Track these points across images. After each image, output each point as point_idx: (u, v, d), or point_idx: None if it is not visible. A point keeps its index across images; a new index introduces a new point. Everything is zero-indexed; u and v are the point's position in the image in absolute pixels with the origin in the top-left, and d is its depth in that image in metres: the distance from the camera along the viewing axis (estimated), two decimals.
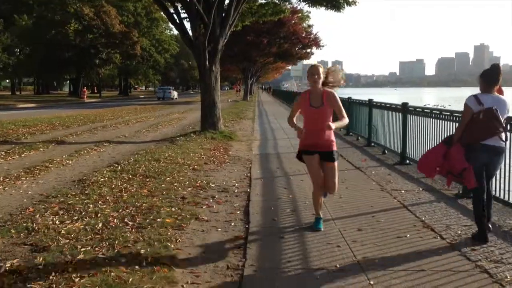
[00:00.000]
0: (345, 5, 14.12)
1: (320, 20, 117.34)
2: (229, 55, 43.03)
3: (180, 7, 13.51)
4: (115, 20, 52.13)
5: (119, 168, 8.02)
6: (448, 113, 7.39)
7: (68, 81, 71.79)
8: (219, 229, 4.92)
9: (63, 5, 47.86)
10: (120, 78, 74.85)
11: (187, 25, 13.33)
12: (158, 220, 5.03)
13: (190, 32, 13.05)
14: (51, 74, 57.30)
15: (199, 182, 7.17)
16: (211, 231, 4.85)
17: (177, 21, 13.05)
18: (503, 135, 4.43)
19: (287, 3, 16.01)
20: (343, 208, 5.74)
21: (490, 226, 4.59)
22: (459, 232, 4.73)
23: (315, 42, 43.14)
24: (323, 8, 14.42)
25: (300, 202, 6.03)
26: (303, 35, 42.07)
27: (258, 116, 24.15)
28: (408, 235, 4.61)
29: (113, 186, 6.68)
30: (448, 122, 7.22)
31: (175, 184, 6.93)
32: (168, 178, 7.28)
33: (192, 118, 20.33)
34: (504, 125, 4.43)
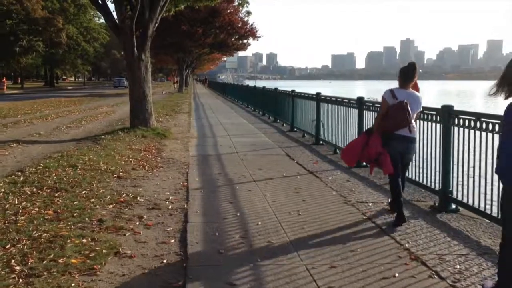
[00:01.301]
0: None
1: (254, 11, 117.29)
2: (163, 45, 40.99)
3: None
4: (37, 5, 48.17)
5: (21, 178, 6.40)
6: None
7: None
8: (146, 271, 3.62)
9: None
10: (45, 68, 69.86)
11: (112, 7, 11.64)
12: (61, 260, 3.64)
13: (115, 15, 11.40)
14: None
15: (123, 195, 5.78)
16: (135, 274, 3.54)
17: (99, 1, 11.33)
18: (413, 126, 4.89)
19: None
20: (305, 230, 4.62)
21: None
22: (456, 265, 3.76)
23: (252, 33, 42.03)
24: None
25: (251, 223, 4.83)
26: (239, 25, 40.83)
27: (194, 109, 22.71)
28: (396, 274, 3.55)
29: (7, 205, 5.13)
30: None
31: (93, 200, 5.49)
32: (84, 191, 5.82)
33: (122, 113, 18.53)
34: (412, 117, 4.81)
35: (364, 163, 7.75)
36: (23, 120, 14.93)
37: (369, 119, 7.83)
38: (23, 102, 25.36)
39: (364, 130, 5.93)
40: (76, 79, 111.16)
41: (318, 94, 10.89)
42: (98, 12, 65.29)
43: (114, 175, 6.88)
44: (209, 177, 7.20)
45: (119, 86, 63.22)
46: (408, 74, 4.98)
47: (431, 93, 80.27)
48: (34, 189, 5.83)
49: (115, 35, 11.77)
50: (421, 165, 6.14)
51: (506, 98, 2.93)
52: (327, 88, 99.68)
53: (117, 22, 11.33)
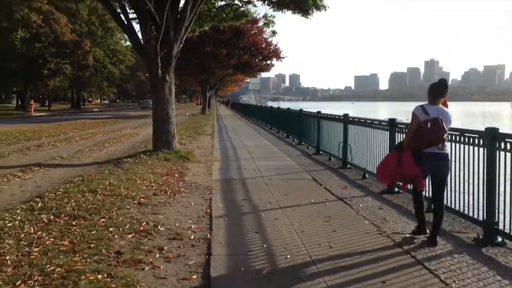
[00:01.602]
0: (314, 9, 12.82)
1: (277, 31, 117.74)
2: (187, 66, 41.34)
3: (128, 5, 11.74)
4: (66, 28, 49.37)
5: (39, 204, 6.18)
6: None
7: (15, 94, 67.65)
8: None
9: (9, 11, 44.59)
10: (72, 91, 71.32)
11: (137, 27, 11.59)
12: None
13: (140, 36, 11.34)
14: None
15: (143, 224, 5.48)
16: None
17: (125, 22, 11.28)
18: (445, 143, 4.84)
19: (249, 6, 14.52)
20: (337, 265, 4.22)
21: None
22: None
23: (276, 54, 42.03)
24: (289, 12, 13.10)
25: (279, 257, 4.46)
26: (263, 46, 40.90)
27: (217, 131, 22.52)
28: None
29: (22, 235, 4.88)
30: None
31: (111, 228, 5.20)
32: (103, 220, 5.54)
33: (145, 134, 18.46)
34: (447, 133, 4.82)
35: (396, 189, 7.41)
36: (47, 143, 14.94)
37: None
38: (49, 124, 25.64)
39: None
40: (102, 101, 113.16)
41: (345, 115, 10.51)
42: (124, 34, 66.84)
43: (135, 201, 6.61)
44: (233, 203, 6.86)
45: (146, 107, 64.01)
46: (439, 90, 4.96)
47: (455, 114, 78.66)
48: (52, 217, 5.58)
49: (140, 55, 11.69)
50: (461, 193, 5.67)
51: None
52: (350, 110, 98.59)
53: (142, 42, 11.23)
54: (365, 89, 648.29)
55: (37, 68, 48.05)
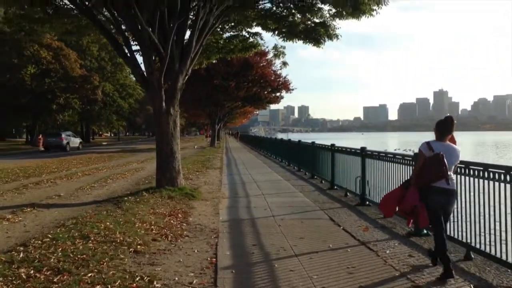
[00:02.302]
0: (326, 38, 12.28)
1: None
2: (195, 99, 41.12)
3: (131, 37, 11.25)
4: (75, 64, 49.65)
5: (21, 255, 5.41)
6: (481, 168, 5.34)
7: (25, 128, 67.85)
8: None
9: (19, 48, 45.03)
10: (81, 124, 71.48)
11: (141, 59, 11.07)
12: None
13: (143, 67, 10.79)
14: (6, 121, 53.58)
15: (137, 279, 4.69)
16: None
17: (128, 53, 10.76)
18: (451, 178, 4.90)
19: (258, 37, 14.01)
20: None
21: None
22: None
23: (285, 85, 41.71)
24: (300, 42, 12.55)
25: None
26: (272, 78, 40.63)
27: (226, 165, 21.80)
28: None
29: None
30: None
31: (98, 286, 4.43)
32: (90, 274, 4.76)
33: (151, 169, 17.74)
34: (449, 170, 4.86)
35: (425, 230, 6.60)
36: (46, 180, 14.24)
37: None
38: (53, 159, 25.07)
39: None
40: (112, 135, 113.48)
41: (363, 149, 9.75)
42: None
43: (131, 249, 5.83)
44: (242, 250, 6.06)
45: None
46: (445, 127, 5.05)
47: (466, 145, 77.68)
48: (32, 271, 4.81)
49: (143, 88, 11.14)
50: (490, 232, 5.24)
51: None
52: (360, 140, 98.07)
53: (145, 74, 10.68)
54: (374, 120, 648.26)
55: (46, 103, 48.08)
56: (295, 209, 9.25)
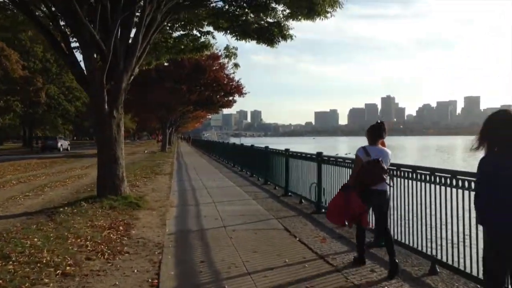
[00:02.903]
0: (280, 38, 11.84)
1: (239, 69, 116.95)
2: (146, 103, 39.88)
3: (69, 31, 10.30)
4: (17, 65, 46.95)
5: None
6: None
7: None
8: None
9: None
10: (24, 128, 67.92)
11: (81, 57, 10.16)
12: None
13: (84, 66, 9.89)
14: None
15: None
16: None
17: (66, 51, 9.83)
18: (387, 180, 5.23)
19: (210, 37, 13.34)
20: None
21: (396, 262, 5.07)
22: None
23: (238, 89, 41.16)
24: (253, 42, 12.04)
25: None
26: (224, 82, 40.01)
27: (177, 170, 20.95)
28: None
29: None
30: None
31: None
32: None
33: (95, 175, 16.47)
34: (387, 172, 5.17)
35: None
36: None
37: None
38: None
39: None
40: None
41: (319, 154, 9.32)
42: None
43: (58, 271, 5.04)
44: (188, 269, 5.41)
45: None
46: (378, 132, 5.33)
47: (414, 149, 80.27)
48: None
49: (83, 88, 10.24)
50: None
51: (487, 152, 3.17)
52: (312, 145, 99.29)
53: (85, 73, 9.78)
54: (325, 125, 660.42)
55: None
56: (248, 218, 8.68)
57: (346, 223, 5.43)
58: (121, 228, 7.50)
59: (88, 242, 6.35)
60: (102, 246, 6.21)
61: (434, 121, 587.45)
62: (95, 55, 9.86)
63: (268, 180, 14.39)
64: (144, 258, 5.82)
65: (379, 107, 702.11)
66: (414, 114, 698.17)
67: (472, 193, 4.40)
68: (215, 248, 6.36)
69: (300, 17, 12.08)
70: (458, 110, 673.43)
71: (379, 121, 5.49)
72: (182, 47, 13.41)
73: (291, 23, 12.29)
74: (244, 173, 18.65)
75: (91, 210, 8.71)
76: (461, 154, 52.09)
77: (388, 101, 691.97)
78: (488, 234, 3.21)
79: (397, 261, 5.07)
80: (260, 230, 7.55)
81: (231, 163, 23.66)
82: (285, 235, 7.27)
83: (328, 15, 11.80)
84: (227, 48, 13.68)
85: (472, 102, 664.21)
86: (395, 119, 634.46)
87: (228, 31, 12.20)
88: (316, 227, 7.81)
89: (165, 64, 39.23)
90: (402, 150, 70.68)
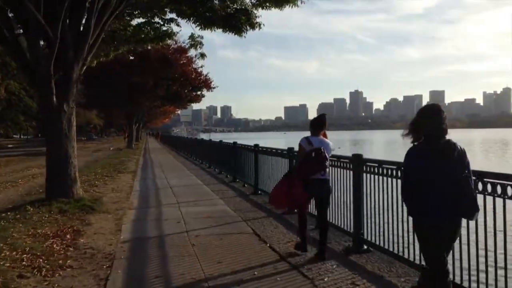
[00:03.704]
0: (248, 27, 11.06)
1: (206, 63, 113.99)
2: (111, 97, 38.45)
3: (12, 16, 9.18)
4: None
5: None
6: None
7: None
8: None
9: None
10: None
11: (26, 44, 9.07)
12: None
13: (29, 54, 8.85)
14: None
15: None
16: None
17: (8, 37, 8.75)
18: (327, 170, 5.46)
19: (173, 24, 12.35)
20: None
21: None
22: None
23: (206, 84, 40.07)
24: (220, 30, 11.23)
25: None
26: (192, 76, 38.91)
27: (141, 168, 19.97)
28: None
29: None
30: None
31: None
32: None
33: None
34: (327, 160, 5.39)
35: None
36: None
37: (369, 185, 5.63)
38: None
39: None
40: (21, 136, 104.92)
41: (290, 149, 8.60)
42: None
43: None
44: (140, 286, 4.61)
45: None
46: (319, 124, 5.67)
47: (382, 142, 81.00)
48: None
49: (28, 79, 9.22)
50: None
51: (413, 142, 3.43)
52: (282, 140, 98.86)
53: (30, 61, 8.76)
54: (295, 119, 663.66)
55: None
56: (214, 220, 7.92)
57: (287, 209, 6.10)
58: (68, 236, 6.60)
59: (25, 255, 5.45)
60: (41, 260, 5.33)
61: (401, 114, 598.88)
62: (41, 42, 8.84)
63: (236, 178, 13.64)
64: (89, 274, 4.98)
65: (348, 101, 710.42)
66: (382, 108, 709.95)
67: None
68: (174, 258, 5.57)
69: (269, 5, 11.36)
70: (424, 104, 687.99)
71: (321, 114, 5.97)
72: (143, 36, 12.43)
73: (260, 12, 11.55)
74: (213, 170, 17.84)
75: (36, 215, 7.75)
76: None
77: (356, 95, 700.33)
78: (416, 225, 3.48)
79: (325, 248, 5.46)
80: (226, 235, 6.81)
81: (199, 160, 22.79)
82: (254, 240, 6.54)
83: (298, 2, 11.14)
84: (191, 36, 12.77)
85: (437, 96, 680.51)
86: (363, 113, 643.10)
87: (192, 19, 11.33)
88: (288, 230, 7.11)
89: (131, 58, 38.01)
90: (370, 144, 71.06)
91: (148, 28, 12.30)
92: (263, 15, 11.66)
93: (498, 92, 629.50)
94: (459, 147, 3.34)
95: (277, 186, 5.77)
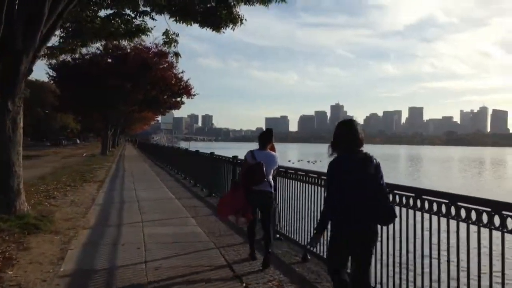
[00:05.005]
0: (229, 23, 9.83)
1: (187, 69, 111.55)
2: (87, 100, 36.83)
3: None
4: None
5: None
6: None
7: None
8: None
9: None
10: None
11: None
12: None
13: None
14: None
15: None
16: None
17: None
18: (271, 182, 5.75)
19: (147, 18, 10.99)
20: None
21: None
22: None
23: (186, 90, 38.69)
24: (196, 25, 9.96)
25: None
26: (172, 82, 37.48)
27: (111, 177, 18.45)
28: None
29: None
30: None
31: None
32: None
33: None
34: (269, 174, 5.68)
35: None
36: None
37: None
38: None
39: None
40: None
41: None
42: None
43: None
44: None
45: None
46: (266, 138, 5.95)
47: (278, 156, 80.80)
48: None
49: None
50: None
51: (330, 155, 3.68)
52: None
53: None
54: (275, 131, 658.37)
55: None
56: (181, 247, 6.59)
57: (230, 218, 6.35)
58: None
59: None
60: None
61: (380, 129, 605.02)
62: None
63: (212, 192, 12.31)
64: None
65: (329, 114, 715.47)
66: (362, 122, 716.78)
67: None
68: None
69: (253, 2, 10.16)
70: (403, 120, 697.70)
71: (268, 128, 6.32)
72: (113, 29, 11.08)
73: (241, 7, 10.35)
74: (188, 181, 16.47)
75: None
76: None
77: (337, 109, 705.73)
78: (332, 231, 3.60)
79: (269, 254, 5.58)
80: (194, 269, 5.48)
81: (175, 169, 21.37)
82: (228, 277, 5.23)
83: None
84: (166, 33, 11.46)
85: (415, 112, 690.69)
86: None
87: (167, 12, 10.04)
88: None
89: (108, 60, 36.45)
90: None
91: (118, 20, 10.94)
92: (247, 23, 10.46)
93: (475, 110, 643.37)
94: (375, 160, 3.56)
95: (223, 197, 6.24)
